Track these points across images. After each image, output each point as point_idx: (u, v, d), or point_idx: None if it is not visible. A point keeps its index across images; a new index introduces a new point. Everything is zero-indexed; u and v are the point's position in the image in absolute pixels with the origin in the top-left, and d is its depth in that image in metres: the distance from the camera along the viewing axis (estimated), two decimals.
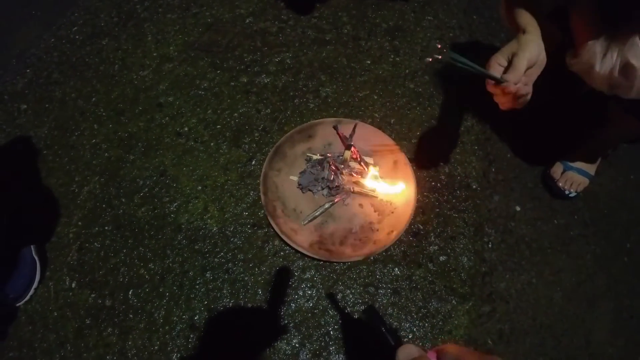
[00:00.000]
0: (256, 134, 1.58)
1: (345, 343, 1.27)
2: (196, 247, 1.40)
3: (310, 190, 1.43)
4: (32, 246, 1.36)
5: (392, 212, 1.40)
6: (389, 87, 1.69)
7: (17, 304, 1.32)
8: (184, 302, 1.32)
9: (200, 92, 1.68)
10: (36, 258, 1.35)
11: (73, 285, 1.35)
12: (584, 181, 1.47)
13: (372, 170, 1.43)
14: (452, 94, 1.67)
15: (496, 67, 0.94)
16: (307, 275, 1.36)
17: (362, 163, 1.45)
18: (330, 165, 1.43)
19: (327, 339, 1.27)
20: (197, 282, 1.35)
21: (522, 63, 0.91)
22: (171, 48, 1.79)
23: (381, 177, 1.43)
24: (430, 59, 0.90)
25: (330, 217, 1.40)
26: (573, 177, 1.47)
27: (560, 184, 1.47)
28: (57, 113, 1.65)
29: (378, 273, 1.36)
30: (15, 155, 1.58)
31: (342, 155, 1.47)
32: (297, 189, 1.45)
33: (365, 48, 1.78)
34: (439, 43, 0.88)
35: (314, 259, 1.35)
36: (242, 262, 1.37)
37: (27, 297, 1.32)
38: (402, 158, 1.46)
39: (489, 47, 1.79)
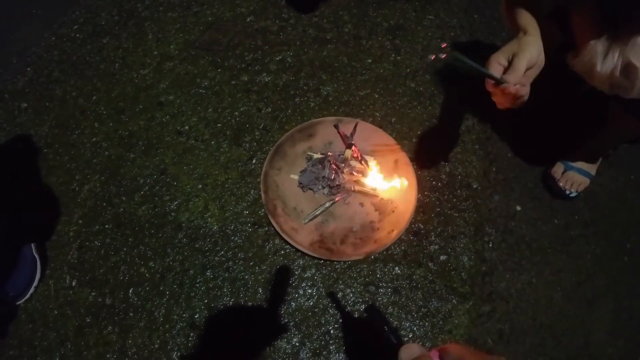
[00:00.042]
0: (257, 133, 1.58)
1: (345, 342, 1.27)
2: (196, 245, 1.39)
3: (310, 189, 1.43)
4: (32, 244, 1.36)
5: (393, 211, 1.40)
6: (390, 86, 1.68)
7: (18, 303, 1.32)
8: (184, 301, 1.32)
9: (200, 91, 1.68)
10: (36, 256, 1.35)
11: (73, 283, 1.35)
12: (585, 181, 1.47)
13: (373, 169, 1.43)
14: (453, 93, 1.66)
15: (496, 66, 0.94)
16: (308, 274, 1.36)
17: (362, 162, 1.45)
18: (331, 164, 1.43)
19: (328, 338, 1.27)
20: (198, 280, 1.35)
21: (522, 64, 0.91)
22: (172, 47, 1.79)
23: (381, 176, 1.43)
24: (434, 56, 0.90)
25: (331, 216, 1.40)
26: (574, 177, 1.47)
27: (561, 184, 1.47)
28: (58, 111, 1.65)
29: (378, 272, 1.36)
30: (16, 154, 1.58)
31: (343, 154, 1.46)
32: (297, 188, 1.45)
33: (366, 47, 1.78)
34: (444, 42, 0.88)
35: (314, 257, 1.35)
36: (242, 260, 1.37)
37: (28, 296, 1.32)
38: (403, 157, 1.46)
39: (490, 47, 1.79)
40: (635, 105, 1.04)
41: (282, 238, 1.36)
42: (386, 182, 1.41)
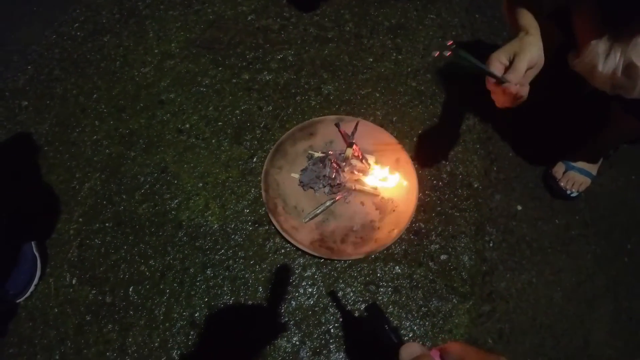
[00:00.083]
0: (257, 131, 1.58)
1: (345, 341, 1.27)
2: (197, 244, 1.39)
3: (311, 187, 1.43)
4: (32, 243, 1.36)
5: (394, 211, 1.40)
6: (391, 85, 1.68)
7: (18, 301, 1.32)
8: (184, 299, 1.32)
9: (201, 89, 1.67)
10: (37, 254, 1.35)
11: (73, 281, 1.35)
12: (586, 181, 1.47)
13: (374, 168, 1.43)
14: (454, 92, 1.66)
15: (497, 64, 0.94)
16: (308, 273, 1.36)
17: (363, 161, 1.45)
18: (331, 162, 1.43)
19: (328, 337, 1.27)
20: (198, 279, 1.35)
21: (523, 64, 0.91)
22: (173, 45, 1.78)
23: (382, 175, 1.42)
24: (437, 53, 0.90)
25: (332, 215, 1.40)
26: (575, 177, 1.47)
27: (562, 184, 1.47)
28: (58, 110, 1.65)
29: (379, 271, 1.36)
30: (16, 152, 1.57)
31: (344, 153, 1.46)
32: (298, 187, 1.44)
33: (368, 46, 1.78)
34: (450, 40, 0.89)
35: (314, 256, 1.35)
36: (242, 259, 1.37)
37: (28, 294, 1.32)
38: (404, 156, 1.46)
39: (491, 46, 1.79)
40: (637, 105, 1.04)
41: (282, 237, 1.36)
42: (387, 181, 1.41)
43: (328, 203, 1.40)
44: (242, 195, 1.47)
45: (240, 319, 1.30)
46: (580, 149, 1.48)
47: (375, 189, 1.42)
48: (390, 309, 1.32)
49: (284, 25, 1.83)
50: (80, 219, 1.44)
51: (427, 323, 1.30)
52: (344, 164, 1.44)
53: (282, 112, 1.62)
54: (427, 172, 1.51)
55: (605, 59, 0.96)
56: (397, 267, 1.37)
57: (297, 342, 1.27)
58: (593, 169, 1.49)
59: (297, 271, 1.36)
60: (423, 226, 1.43)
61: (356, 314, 1.31)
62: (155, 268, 1.36)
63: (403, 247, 1.39)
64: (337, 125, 1.51)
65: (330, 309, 1.31)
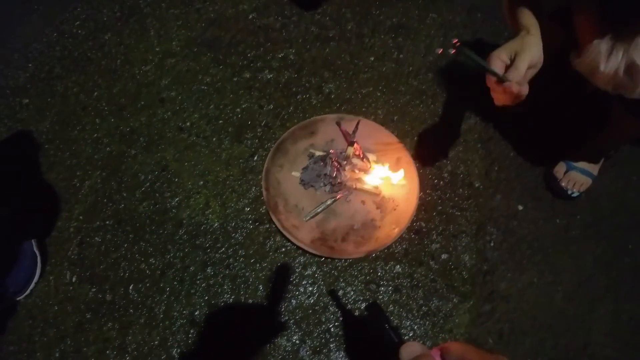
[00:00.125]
0: (258, 130, 1.58)
1: (346, 340, 1.27)
2: (197, 242, 1.39)
3: (312, 186, 1.43)
4: (33, 240, 1.36)
5: (394, 210, 1.40)
6: (392, 85, 1.68)
7: (17, 298, 1.32)
8: (184, 298, 1.32)
9: (202, 88, 1.67)
10: (37, 252, 1.35)
11: (73, 279, 1.35)
12: (587, 181, 1.47)
13: (375, 167, 1.42)
14: (456, 92, 1.66)
15: (498, 62, 0.94)
16: (309, 271, 1.36)
17: (364, 160, 1.45)
18: (332, 161, 1.43)
19: (328, 336, 1.27)
20: (198, 277, 1.35)
21: (524, 63, 0.92)
22: (174, 43, 1.78)
23: (383, 174, 1.42)
24: (441, 50, 0.91)
25: (332, 214, 1.40)
26: (576, 177, 1.46)
27: (563, 184, 1.47)
28: (59, 107, 1.65)
29: (379, 270, 1.36)
30: (17, 150, 1.57)
31: (345, 152, 1.46)
32: (299, 185, 1.44)
33: (369, 45, 1.78)
34: (456, 38, 0.88)
35: (315, 255, 1.35)
36: (243, 257, 1.37)
37: (28, 292, 1.32)
38: (405, 155, 1.46)
39: (493, 46, 1.75)
40: (638, 105, 1.04)
41: (283, 235, 1.36)
42: (388, 180, 1.41)
43: (329, 202, 1.40)
44: (242, 194, 1.47)
45: (240, 317, 1.30)
46: (582, 149, 1.47)
47: (376, 188, 1.42)
48: (391, 308, 1.32)
49: (285, 24, 1.82)
50: (81, 217, 1.44)
51: (427, 322, 1.30)
52: (345, 162, 1.44)
53: (283, 111, 1.62)
54: (428, 172, 1.50)
55: (607, 59, 0.96)
56: (398, 266, 1.36)
57: (297, 341, 1.27)
58: (594, 169, 1.48)
59: (297, 270, 1.36)
60: (424, 225, 1.43)
61: (356, 313, 1.31)
62: (156, 266, 1.36)
63: (404, 246, 1.39)
64: (338, 124, 1.51)
65: (331, 308, 1.31)
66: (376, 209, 1.41)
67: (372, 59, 1.74)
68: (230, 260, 1.37)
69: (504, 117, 1.56)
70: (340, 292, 1.33)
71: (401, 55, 1.75)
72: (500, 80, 0.93)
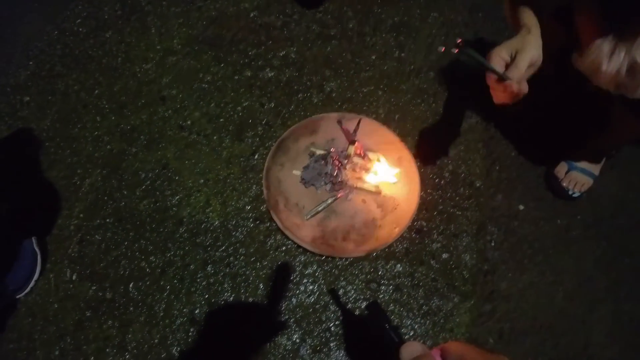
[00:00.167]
0: (259, 128, 1.58)
1: (346, 339, 1.27)
2: (197, 240, 1.39)
3: (313, 185, 1.43)
4: (33, 238, 1.36)
5: (395, 209, 1.39)
6: (394, 83, 1.68)
7: (18, 296, 1.31)
8: (184, 296, 1.32)
9: (203, 86, 1.67)
10: (37, 250, 1.35)
11: (74, 277, 1.35)
12: (588, 181, 1.47)
13: (376, 166, 1.42)
14: (457, 91, 1.66)
15: (498, 60, 0.94)
16: (309, 270, 1.35)
17: (365, 158, 1.45)
18: (333, 160, 1.43)
19: (328, 335, 1.27)
20: (198, 275, 1.35)
21: (525, 62, 0.92)
22: (175, 41, 1.78)
23: (384, 173, 1.42)
24: (443, 48, 0.91)
25: (333, 213, 1.40)
26: (577, 177, 1.46)
27: (564, 184, 1.47)
28: (60, 105, 1.64)
29: (380, 269, 1.36)
30: (17, 148, 1.57)
31: (346, 151, 1.46)
32: (299, 184, 1.44)
33: (370, 43, 1.77)
34: (460, 38, 0.88)
35: (316, 254, 1.35)
36: (243, 256, 1.37)
37: (28, 289, 1.32)
38: (406, 154, 1.45)
39: (494, 45, 1.77)
40: None
41: (283, 234, 1.36)
42: (389, 179, 1.41)
43: (330, 200, 1.40)
44: (243, 192, 1.46)
45: (240, 316, 1.30)
46: (583, 149, 1.47)
47: (377, 187, 1.42)
48: (391, 307, 1.31)
49: (287, 22, 1.82)
50: (81, 215, 1.44)
51: (427, 322, 1.30)
52: (346, 161, 1.44)
53: (284, 109, 1.62)
54: (429, 171, 1.50)
55: (609, 59, 0.95)
56: (399, 266, 1.36)
57: (298, 340, 1.27)
58: (595, 169, 1.48)
59: (298, 269, 1.36)
60: (425, 225, 1.42)
61: (357, 312, 1.30)
62: (156, 264, 1.36)
63: (404, 245, 1.39)
64: (339, 122, 1.50)
65: (331, 307, 1.31)
66: (377, 207, 1.41)
67: (373, 57, 1.74)
68: (231, 258, 1.37)
69: (506, 117, 1.56)
70: (341, 291, 1.33)
71: (403, 54, 1.75)
72: (501, 78, 0.93)
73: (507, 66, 0.94)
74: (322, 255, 1.35)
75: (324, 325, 1.28)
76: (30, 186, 1.49)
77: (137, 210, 1.44)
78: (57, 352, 1.26)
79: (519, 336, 1.31)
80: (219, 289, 1.33)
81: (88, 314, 1.30)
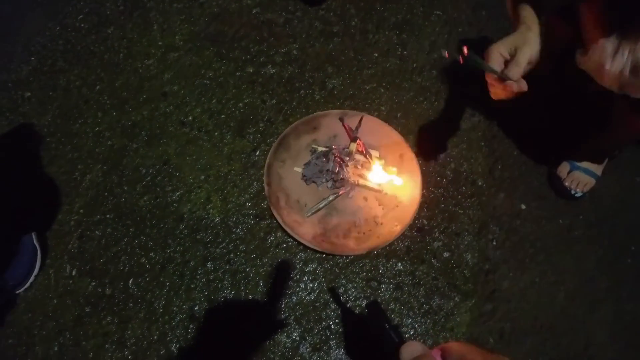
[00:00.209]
0: (261, 125, 1.57)
1: (346, 337, 1.26)
2: (198, 237, 1.39)
3: (314, 182, 1.42)
4: (33, 233, 1.36)
5: (397, 207, 1.39)
6: (396, 81, 1.67)
7: (17, 292, 1.31)
8: (184, 292, 1.32)
9: (205, 82, 1.67)
10: (37, 245, 1.34)
11: (73, 273, 1.35)
12: (590, 181, 1.46)
13: (377, 164, 1.42)
14: (459, 89, 1.65)
15: (497, 56, 0.94)
16: (310, 268, 1.35)
17: (367, 156, 1.44)
18: (335, 157, 1.42)
19: (328, 333, 1.27)
20: (198, 272, 1.34)
21: (525, 60, 0.93)
22: (177, 37, 1.77)
23: (386, 170, 1.41)
24: (447, 53, 0.91)
25: (334, 210, 1.39)
26: (579, 177, 1.45)
27: (567, 184, 1.46)
28: (61, 101, 1.64)
29: (381, 267, 1.35)
30: (18, 143, 1.57)
31: (348, 148, 1.45)
32: (301, 181, 1.44)
33: (373, 41, 1.77)
34: (466, 45, 0.88)
35: (316, 251, 1.34)
36: (244, 253, 1.37)
37: (27, 285, 1.32)
38: (408, 152, 1.45)
39: None
40: None
41: (284, 231, 1.35)
42: (390, 177, 1.40)
43: (331, 198, 1.39)
44: (244, 189, 1.46)
45: (240, 313, 1.30)
46: (585, 148, 1.46)
47: (379, 184, 1.41)
48: (392, 305, 1.31)
49: (289, 19, 1.82)
50: (81, 211, 1.44)
51: (428, 321, 1.30)
52: (348, 158, 1.44)
53: (286, 106, 1.61)
54: (431, 169, 1.50)
55: (612, 58, 0.95)
56: (400, 264, 1.36)
57: (297, 338, 1.26)
58: (598, 169, 1.48)
59: (298, 266, 1.35)
60: (426, 223, 1.42)
61: (357, 311, 1.30)
62: (156, 260, 1.36)
63: (406, 243, 1.39)
64: (341, 119, 1.50)
65: (331, 305, 1.30)
66: (378, 205, 1.40)
67: (376, 55, 1.74)
68: (231, 255, 1.36)
69: (509, 115, 1.55)
70: (341, 289, 1.32)
71: (405, 52, 1.74)
72: (503, 78, 0.93)
73: (506, 63, 0.94)
74: (323, 253, 1.35)
75: (323, 323, 1.28)
76: (30, 181, 1.49)
77: (138, 206, 1.44)
78: (56, 348, 1.26)
79: (520, 336, 1.31)
80: (219, 285, 1.33)
81: (87, 310, 1.30)
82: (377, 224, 1.37)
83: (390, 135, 1.49)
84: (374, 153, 1.46)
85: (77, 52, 1.76)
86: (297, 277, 1.34)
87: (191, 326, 1.27)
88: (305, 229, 1.35)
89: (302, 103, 1.62)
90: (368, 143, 1.47)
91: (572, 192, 1.46)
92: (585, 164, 1.46)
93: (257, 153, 1.52)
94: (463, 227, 1.42)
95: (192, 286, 1.32)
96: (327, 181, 1.42)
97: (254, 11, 1.83)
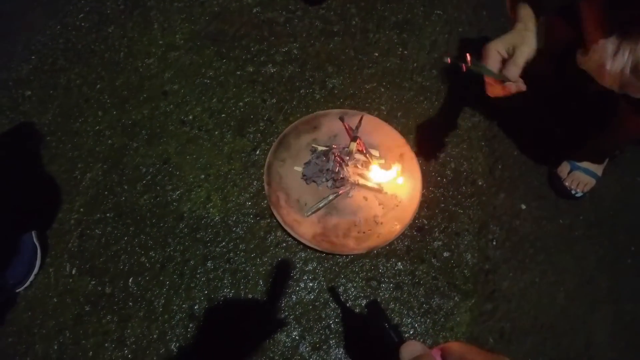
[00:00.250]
0: (261, 124, 1.57)
1: (345, 337, 1.26)
2: (198, 236, 1.39)
3: (314, 181, 1.42)
4: (33, 232, 1.35)
5: (397, 206, 1.39)
6: (397, 80, 1.67)
7: (17, 290, 1.31)
8: (184, 291, 1.32)
9: (205, 81, 1.67)
10: (37, 244, 1.34)
11: (73, 271, 1.35)
12: (591, 181, 1.46)
13: (378, 163, 1.42)
14: (460, 89, 1.65)
15: (495, 54, 0.95)
16: (309, 267, 1.35)
17: (367, 155, 1.44)
18: (335, 156, 1.42)
19: (328, 332, 1.27)
20: (198, 271, 1.34)
21: (523, 59, 0.93)
22: (177, 36, 1.77)
23: (386, 170, 1.41)
24: (449, 60, 0.91)
25: (334, 209, 1.39)
26: (580, 177, 1.45)
27: (567, 184, 1.46)
28: (62, 100, 1.64)
29: (381, 267, 1.35)
30: (19, 142, 1.57)
31: (348, 147, 1.45)
32: (301, 180, 1.43)
33: (373, 40, 1.77)
34: (470, 53, 0.89)
35: (316, 250, 1.34)
36: (243, 252, 1.37)
37: (27, 283, 1.32)
38: (408, 152, 1.45)
39: None
40: None
41: (284, 230, 1.35)
42: (391, 177, 1.40)
43: (331, 197, 1.39)
44: (244, 188, 1.46)
45: (239, 312, 1.30)
46: (586, 148, 1.46)
47: (379, 184, 1.41)
48: (392, 305, 1.31)
49: (290, 18, 1.82)
50: (82, 209, 1.44)
51: (428, 320, 1.30)
52: (348, 158, 1.44)
53: (286, 105, 1.61)
54: (431, 168, 1.50)
55: (613, 58, 0.95)
56: (399, 264, 1.36)
57: (297, 337, 1.26)
58: (598, 169, 1.47)
59: (298, 265, 1.35)
60: (426, 222, 1.42)
61: (357, 310, 1.30)
62: (156, 259, 1.36)
63: (406, 243, 1.39)
64: (341, 119, 1.50)
65: (331, 304, 1.30)
66: (378, 205, 1.40)
67: (376, 54, 1.74)
68: (231, 254, 1.36)
69: (509, 115, 1.55)
70: (341, 289, 1.32)
71: (406, 52, 1.74)
72: (503, 80, 0.93)
73: (504, 61, 0.94)
74: (323, 252, 1.34)
75: (323, 322, 1.28)
76: (31, 180, 1.49)
77: (138, 205, 1.44)
78: (56, 347, 1.26)
79: (520, 336, 1.31)
80: (219, 284, 1.33)
81: (87, 309, 1.30)
82: (377, 224, 1.37)
83: (390, 134, 1.48)
84: (374, 152, 1.46)
85: (77, 50, 1.76)
86: (297, 276, 1.34)
87: (191, 325, 1.27)
88: (305, 228, 1.35)
89: (302, 102, 1.62)
90: (368, 142, 1.47)
91: (573, 192, 1.46)
92: (585, 164, 1.46)
93: (257, 152, 1.52)
94: (463, 226, 1.42)
95: (191, 285, 1.32)
96: (327, 180, 1.42)
97: (255, 10, 1.83)
